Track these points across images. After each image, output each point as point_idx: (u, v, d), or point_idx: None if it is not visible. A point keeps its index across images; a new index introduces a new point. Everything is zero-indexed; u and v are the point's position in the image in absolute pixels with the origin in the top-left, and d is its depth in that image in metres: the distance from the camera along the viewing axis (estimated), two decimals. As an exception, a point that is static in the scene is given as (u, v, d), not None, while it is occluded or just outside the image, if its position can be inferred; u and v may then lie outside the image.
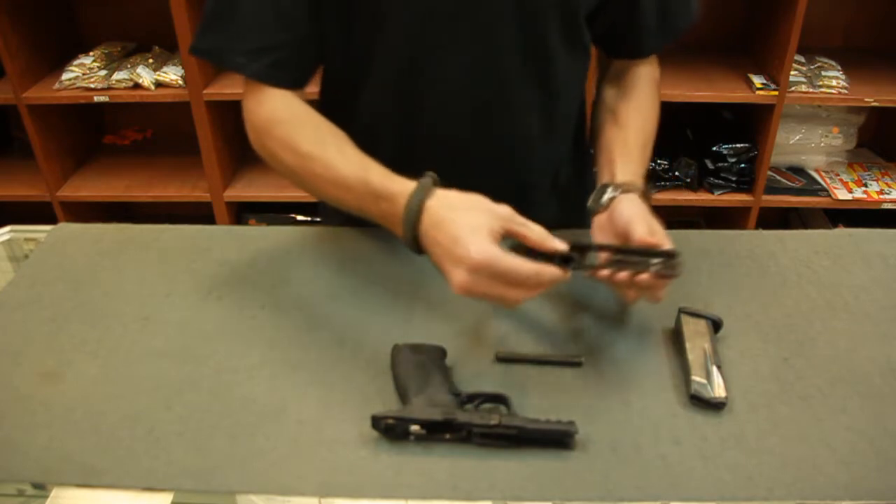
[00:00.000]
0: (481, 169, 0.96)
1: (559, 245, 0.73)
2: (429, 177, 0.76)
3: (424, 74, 0.89)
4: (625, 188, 0.85)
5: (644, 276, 0.74)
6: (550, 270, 0.71)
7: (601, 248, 0.79)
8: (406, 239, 0.76)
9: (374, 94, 0.93)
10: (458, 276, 0.70)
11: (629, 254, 0.76)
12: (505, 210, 0.73)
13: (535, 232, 0.73)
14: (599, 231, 0.84)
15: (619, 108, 0.97)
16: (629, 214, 0.80)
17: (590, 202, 0.86)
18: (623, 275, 0.74)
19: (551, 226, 0.80)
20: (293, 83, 0.90)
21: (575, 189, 1.07)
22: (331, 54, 0.93)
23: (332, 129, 0.87)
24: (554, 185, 1.04)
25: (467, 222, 0.71)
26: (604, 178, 0.89)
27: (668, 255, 0.74)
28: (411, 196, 0.75)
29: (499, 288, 0.70)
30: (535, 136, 0.97)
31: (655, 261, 0.74)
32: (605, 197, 0.85)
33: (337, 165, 0.82)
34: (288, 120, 0.88)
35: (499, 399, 0.73)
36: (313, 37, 0.89)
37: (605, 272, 0.76)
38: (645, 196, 0.85)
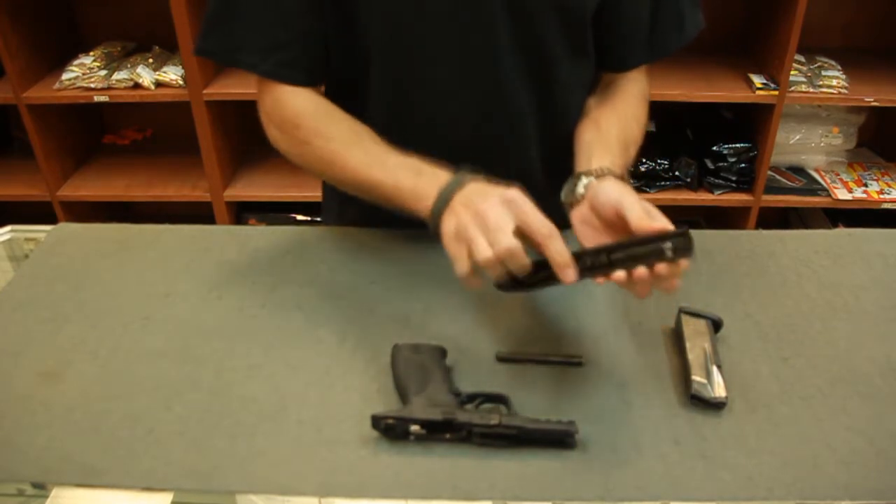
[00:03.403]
0: (480, 169, 0.96)
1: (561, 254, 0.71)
2: (446, 191, 0.76)
3: (421, 74, 0.89)
4: (599, 173, 0.79)
5: (662, 266, 0.66)
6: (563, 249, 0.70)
7: (602, 251, 0.70)
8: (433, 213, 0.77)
9: (372, 95, 0.93)
10: (483, 204, 0.71)
11: (635, 246, 0.68)
12: (516, 194, 0.72)
13: (538, 229, 0.71)
14: (582, 226, 0.78)
15: (600, 115, 0.94)
16: (615, 198, 0.73)
17: (562, 195, 0.81)
18: (640, 271, 0.67)
19: (558, 226, 0.79)
20: (306, 81, 0.91)
21: None
22: (332, 54, 0.93)
23: (356, 125, 0.89)
24: (555, 187, 1.04)
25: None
26: (580, 169, 0.83)
27: (679, 235, 0.66)
28: (432, 212, 0.76)
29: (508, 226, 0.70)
30: (533, 137, 0.97)
31: (667, 244, 0.66)
32: (580, 185, 0.79)
33: (364, 171, 0.84)
34: (314, 114, 0.89)
35: (499, 399, 0.73)
36: (318, 35, 0.89)
37: (619, 275, 0.68)
38: (623, 180, 0.78)
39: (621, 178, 0.80)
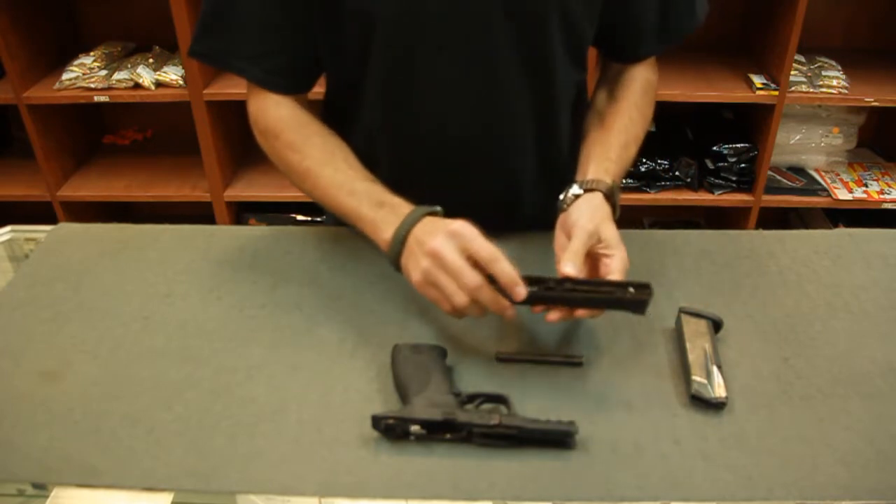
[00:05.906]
0: (476, 171, 0.96)
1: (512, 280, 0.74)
2: (402, 231, 0.79)
3: (417, 76, 0.89)
4: (589, 186, 0.85)
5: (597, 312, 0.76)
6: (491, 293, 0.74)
7: (558, 282, 0.75)
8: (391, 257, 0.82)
9: (369, 97, 0.93)
10: (433, 243, 0.74)
11: (592, 285, 0.75)
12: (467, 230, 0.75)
13: (485, 255, 0.74)
14: (559, 231, 0.84)
15: (606, 110, 0.97)
16: (575, 218, 0.81)
17: (559, 199, 0.86)
18: (581, 312, 0.75)
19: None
20: (293, 89, 0.92)
21: None
22: (327, 58, 0.93)
23: (330, 143, 0.90)
24: (551, 188, 1.04)
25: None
26: (578, 175, 0.89)
27: (639, 287, 0.73)
28: (390, 250, 0.80)
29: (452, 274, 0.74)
30: (529, 139, 0.97)
31: (627, 294, 0.73)
32: (570, 194, 0.85)
33: (333, 193, 0.87)
34: (293, 127, 0.91)
35: (499, 399, 0.73)
36: (309, 42, 0.90)
37: (554, 315, 0.75)
38: (609, 197, 0.85)
39: (608, 187, 0.85)
